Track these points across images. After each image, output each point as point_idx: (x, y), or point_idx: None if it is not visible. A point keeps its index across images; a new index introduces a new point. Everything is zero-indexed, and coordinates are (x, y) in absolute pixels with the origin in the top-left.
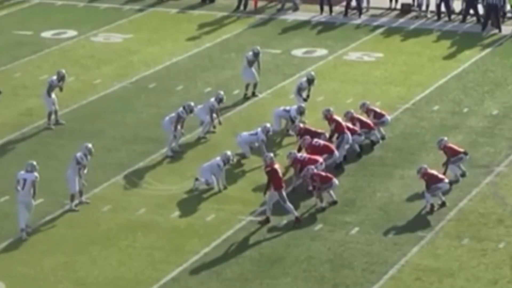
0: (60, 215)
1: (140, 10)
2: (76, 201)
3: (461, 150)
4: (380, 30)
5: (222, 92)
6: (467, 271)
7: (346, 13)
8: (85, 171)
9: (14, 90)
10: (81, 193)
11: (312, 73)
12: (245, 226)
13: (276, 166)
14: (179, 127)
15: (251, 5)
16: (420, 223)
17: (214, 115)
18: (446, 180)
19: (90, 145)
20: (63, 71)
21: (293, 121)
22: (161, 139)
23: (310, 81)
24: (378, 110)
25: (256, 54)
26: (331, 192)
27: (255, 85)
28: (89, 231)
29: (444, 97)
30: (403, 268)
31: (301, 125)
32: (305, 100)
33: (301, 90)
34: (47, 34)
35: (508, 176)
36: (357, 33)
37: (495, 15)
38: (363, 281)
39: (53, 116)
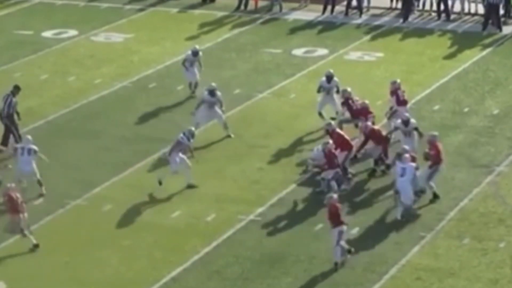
0: (61, 215)
1: (141, 10)
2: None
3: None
4: (381, 29)
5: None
6: (467, 270)
7: (346, 13)
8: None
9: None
10: None
11: (331, 70)
12: (246, 225)
13: (17, 194)
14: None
15: (251, 5)
16: (420, 222)
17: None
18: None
19: (193, 128)
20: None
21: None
22: (162, 139)
23: (329, 78)
24: (404, 97)
25: (195, 54)
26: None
27: (195, 85)
28: (90, 231)
29: (444, 97)
30: (403, 267)
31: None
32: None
33: (322, 88)
34: (47, 33)
35: (508, 176)
36: (357, 32)
37: (495, 14)
38: (363, 281)
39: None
